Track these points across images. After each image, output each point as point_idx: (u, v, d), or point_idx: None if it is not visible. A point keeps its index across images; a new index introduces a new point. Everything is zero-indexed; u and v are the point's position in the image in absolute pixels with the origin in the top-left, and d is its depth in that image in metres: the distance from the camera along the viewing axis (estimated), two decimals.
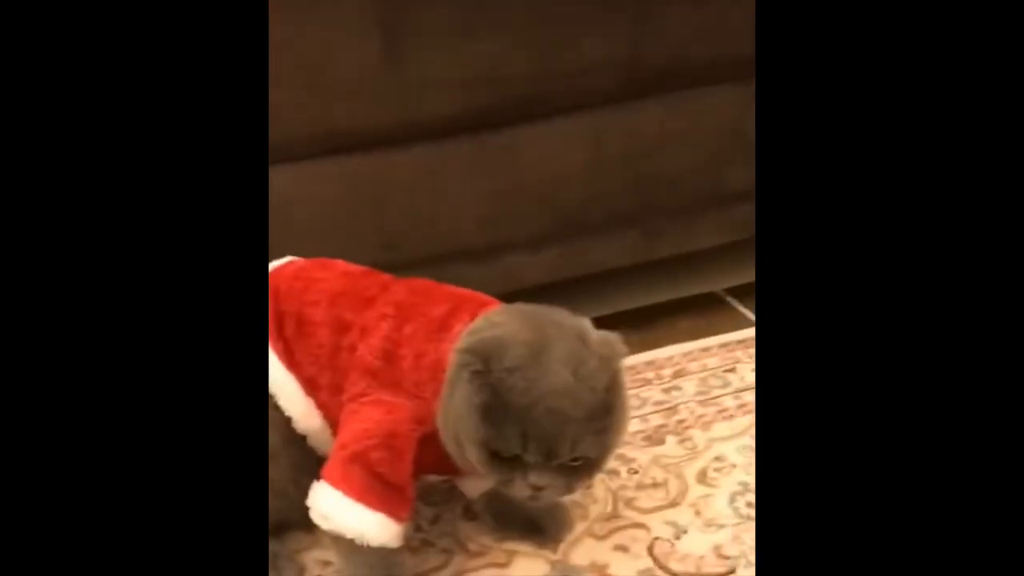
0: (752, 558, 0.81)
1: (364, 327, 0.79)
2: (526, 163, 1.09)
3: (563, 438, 0.68)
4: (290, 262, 0.87)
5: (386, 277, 0.84)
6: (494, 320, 0.74)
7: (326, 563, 0.84)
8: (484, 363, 0.69)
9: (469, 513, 0.90)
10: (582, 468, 0.72)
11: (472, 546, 0.86)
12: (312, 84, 0.97)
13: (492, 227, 1.11)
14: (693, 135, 1.14)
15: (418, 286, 0.82)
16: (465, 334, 0.74)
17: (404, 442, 0.75)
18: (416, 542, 0.86)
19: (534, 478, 0.70)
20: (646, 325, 1.24)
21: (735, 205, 1.21)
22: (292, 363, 0.80)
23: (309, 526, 0.85)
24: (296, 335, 0.81)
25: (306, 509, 0.81)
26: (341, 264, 0.86)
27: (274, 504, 0.81)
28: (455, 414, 0.71)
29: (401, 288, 0.82)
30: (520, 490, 0.71)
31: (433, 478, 0.93)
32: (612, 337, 0.73)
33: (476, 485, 0.89)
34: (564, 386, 0.68)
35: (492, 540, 0.87)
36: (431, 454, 0.76)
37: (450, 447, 0.74)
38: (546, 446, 0.68)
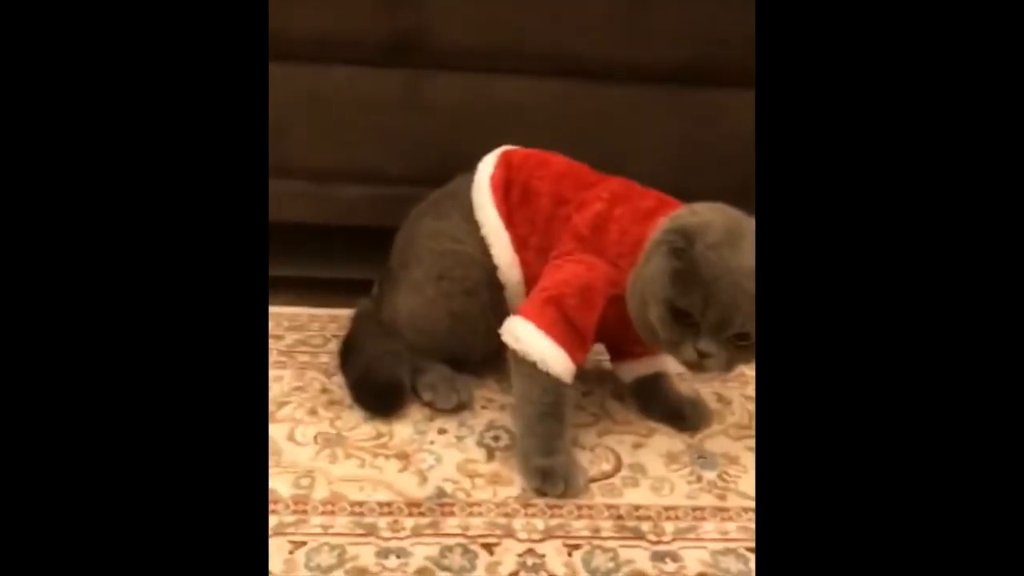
0: None
1: (581, 203, 0.93)
2: (724, 124, 1.21)
3: (738, 311, 0.79)
4: (520, 149, 1.02)
5: (603, 175, 0.98)
6: (697, 209, 0.86)
7: (489, 400, 0.98)
8: (686, 240, 0.80)
9: (618, 395, 1.02)
10: (745, 349, 0.82)
11: (618, 417, 0.98)
12: (561, 15, 1.13)
13: (680, 174, 1.22)
14: None
15: (631, 184, 0.96)
16: (669, 219, 0.86)
17: (596, 296, 0.87)
18: None
19: (703, 343, 0.81)
20: None
21: None
22: (510, 223, 0.95)
23: (481, 369, 1.00)
24: (519, 200, 0.95)
25: (485, 347, 0.96)
26: (564, 157, 1.00)
27: (464, 336, 0.96)
28: (648, 276, 0.83)
29: (617, 182, 0.96)
30: (687, 353, 0.82)
31: (588, 362, 1.06)
32: None
33: (632, 369, 1.00)
34: (748, 269, 0.79)
35: (636, 417, 0.98)
36: (613, 317, 0.89)
37: (634, 308, 0.86)
38: (722, 313, 0.79)
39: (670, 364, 1.01)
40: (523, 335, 0.86)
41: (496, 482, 0.84)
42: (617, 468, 0.89)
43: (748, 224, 0.84)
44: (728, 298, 0.78)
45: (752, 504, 0.84)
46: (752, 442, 0.95)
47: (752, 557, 0.77)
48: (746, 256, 0.79)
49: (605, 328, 0.90)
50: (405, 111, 1.15)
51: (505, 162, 0.98)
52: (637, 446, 0.93)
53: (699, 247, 0.80)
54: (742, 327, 0.80)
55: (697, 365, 0.83)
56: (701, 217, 0.84)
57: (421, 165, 1.17)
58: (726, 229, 0.82)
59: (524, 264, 0.95)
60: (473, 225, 0.95)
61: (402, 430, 0.91)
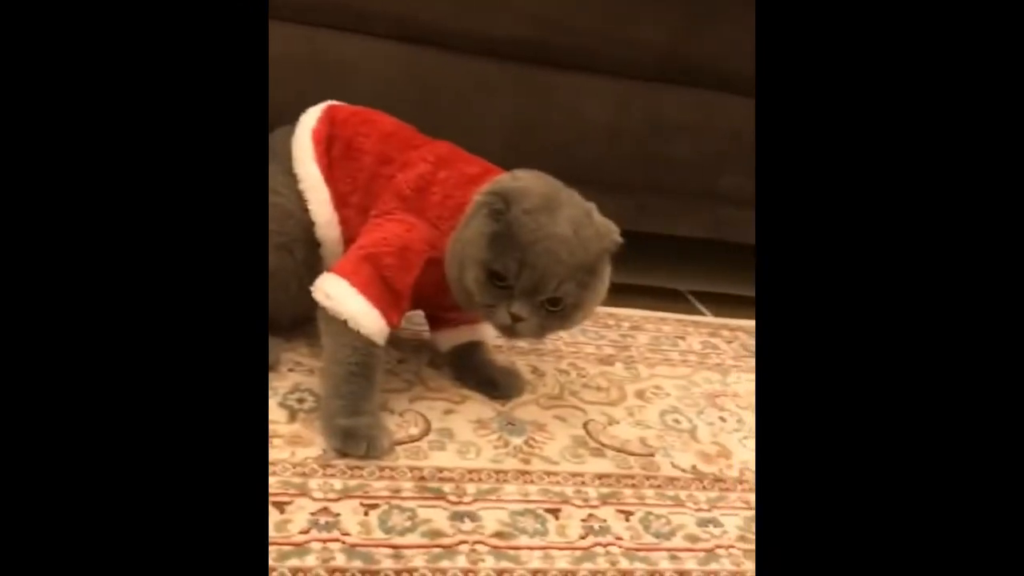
0: (673, 454, 0.92)
1: (405, 163, 0.91)
2: (556, 107, 1.24)
3: (551, 275, 0.80)
4: (345, 105, 0.99)
5: (430, 138, 0.97)
6: (518, 175, 0.87)
7: (297, 363, 0.94)
8: (505, 203, 0.80)
9: (433, 364, 1.01)
10: (557, 314, 0.83)
11: (431, 384, 0.97)
12: None
13: (512, 153, 1.23)
14: (704, 131, 1.30)
15: (457, 149, 0.95)
16: (491, 183, 0.86)
17: (414, 257, 0.86)
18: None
19: (517, 307, 0.81)
20: (612, 296, 1.37)
21: (721, 206, 1.36)
22: (330, 178, 0.92)
23: (291, 330, 0.96)
24: (342, 156, 0.92)
25: (295, 309, 0.92)
26: (392, 118, 0.98)
27: (274, 294, 0.92)
28: (467, 239, 0.82)
29: (443, 145, 0.95)
30: (501, 317, 0.82)
31: (404, 332, 1.04)
32: (612, 224, 0.86)
33: (449, 337, 1.00)
34: (564, 236, 0.80)
35: (450, 384, 0.97)
36: (431, 280, 0.87)
37: (452, 271, 0.85)
38: (536, 276, 0.80)
39: (487, 334, 1.02)
40: (335, 292, 0.83)
41: (296, 443, 0.81)
42: (425, 432, 0.87)
43: (567, 194, 0.85)
44: (542, 263, 0.79)
45: (555, 468, 0.85)
46: (561, 411, 0.96)
47: (550, 518, 0.78)
48: (561, 224, 0.81)
49: (422, 291, 0.89)
50: None
51: (329, 117, 0.94)
52: (448, 412, 0.92)
53: (516, 211, 0.80)
54: (555, 292, 0.81)
55: (510, 329, 0.83)
56: (522, 182, 0.85)
57: None
58: (544, 195, 0.83)
59: (343, 222, 0.92)
60: (291, 178, 0.91)
61: None
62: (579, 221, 0.82)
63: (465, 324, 0.99)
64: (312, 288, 0.85)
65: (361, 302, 0.83)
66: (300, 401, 0.87)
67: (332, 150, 0.93)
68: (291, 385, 0.90)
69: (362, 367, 0.83)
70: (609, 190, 1.30)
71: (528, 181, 0.85)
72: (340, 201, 0.92)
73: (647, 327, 1.25)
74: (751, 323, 1.34)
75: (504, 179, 0.86)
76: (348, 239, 0.91)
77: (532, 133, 1.24)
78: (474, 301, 0.84)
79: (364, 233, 0.89)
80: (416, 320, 1.06)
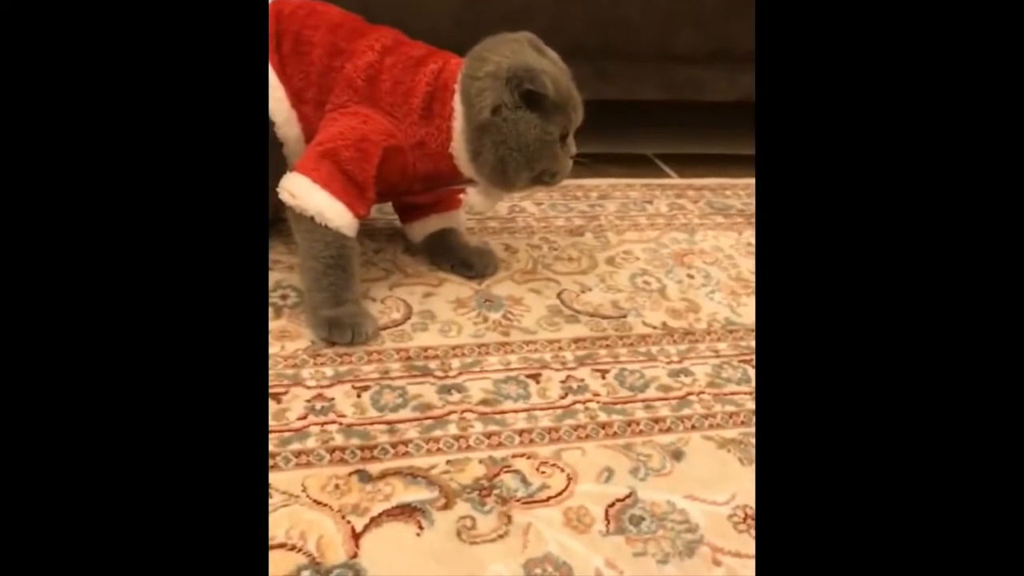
0: (643, 313, 0.97)
1: (353, 52, 0.90)
2: None
3: (579, 104, 0.90)
4: None
5: (373, 25, 0.95)
6: (489, 55, 0.88)
7: (275, 261, 0.97)
8: (531, 82, 0.85)
9: (409, 251, 1.04)
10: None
11: (409, 270, 1.00)
12: None
13: (462, 31, 1.22)
14: None
15: (399, 34, 0.95)
16: (488, 75, 0.86)
17: (373, 147, 0.87)
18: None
19: (573, 146, 0.91)
20: (580, 167, 1.39)
21: (679, 66, 1.35)
22: (283, 75, 0.91)
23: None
24: (292, 52, 0.91)
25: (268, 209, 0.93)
26: (337, 7, 0.97)
27: None
28: (521, 134, 0.86)
29: (388, 32, 0.94)
30: (567, 164, 0.91)
31: (379, 222, 1.06)
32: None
33: (421, 227, 1.02)
34: (562, 71, 0.91)
35: (427, 269, 1.01)
36: (394, 168, 0.89)
37: (489, 160, 0.87)
38: (577, 114, 0.90)
39: (458, 219, 1.04)
40: (299, 191, 0.85)
41: (284, 337, 0.85)
42: (407, 316, 0.91)
43: (528, 35, 0.92)
44: (575, 98, 0.89)
45: (533, 337, 0.90)
46: (535, 284, 1.01)
47: (531, 383, 0.83)
48: (552, 55, 0.91)
49: (387, 179, 0.90)
50: None
51: (275, 13, 0.93)
52: (427, 295, 0.95)
53: (538, 80, 0.85)
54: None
55: (565, 170, 0.91)
56: (513, 57, 0.87)
57: None
58: (528, 44, 0.90)
59: (302, 119, 0.92)
60: None
61: None
62: (552, 56, 0.92)
63: (435, 213, 1.02)
64: (278, 189, 0.86)
65: (325, 196, 0.85)
66: (283, 297, 0.91)
67: (282, 47, 0.92)
68: (273, 283, 0.93)
69: (337, 259, 0.86)
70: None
71: (506, 52, 0.88)
72: (296, 98, 0.92)
73: (615, 195, 1.28)
74: (717, 181, 1.37)
75: (489, 60, 0.88)
76: (308, 136, 0.92)
77: (481, 4, 1.22)
78: (511, 180, 0.89)
79: (321, 129, 0.89)
80: (387, 210, 1.08)
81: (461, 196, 1.03)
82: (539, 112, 0.86)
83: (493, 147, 0.87)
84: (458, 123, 0.88)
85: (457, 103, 0.88)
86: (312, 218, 0.84)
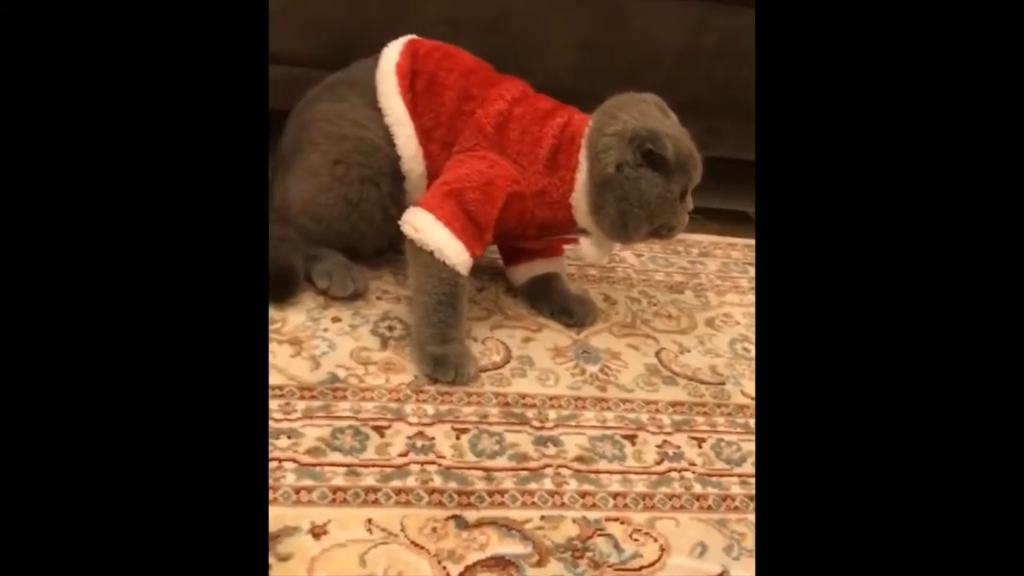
0: (742, 382, 0.96)
1: (484, 99, 0.93)
2: (629, 31, 1.22)
3: (698, 162, 0.92)
4: (425, 40, 0.99)
5: (503, 75, 0.98)
6: (617, 112, 0.91)
7: (384, 291, 0.99)
8: (653, 143, 0.87)
9: (510, 292, 1.05)
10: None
11: (510, 312, 1.01)
12: None
13: (580, 78, 1.23)
14: None
15: (528, 87, 0.97)
16: (614, 135, 0.88)
17: (498, 192, 0.89)
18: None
19: (690, 203, 0.93)
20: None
21: None
22: (414, 113, 0.94)
23: (372, 259, 1.00)
24: (424, 91, 0.94)
25: (378, 239, 0.97)
26: (469, 54, 0.99)
27: (359, 226, 0.96)
28: (642, 192, 0.88)
29: (517, 83, 0.97)
30: (683, 219, 0.92)
31: (482, 261, 1.08)
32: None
33: (525, 271, 1.03)
34: (684, 133, 0.93)
35: (527, 313, 1.01)
36: (513, 214, 0.91)
37: (610, 215, 0.90)
38: (698, 171, 0.92)
39: (561, 265, 1.05)
40: (423, 225, 0.87)
41: (389, 370, 0.86)
42: (507, 359, 0.92)
43: (655, 98, 0.95)
44: (695, 157, 0.91)
45: (630, 396, 0.90)
46: (634, 340, 1.00)
47: (627, 443, 0.83)
48: (673, 117, 0.94)
49: (505, 224, 0.92)
50: None
51: (411, 51, 0.96)
52: (526, 340, 0.96)
53: (660, 142, 0.87)
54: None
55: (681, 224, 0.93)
56: (640, 119, 0.90)
57: (317, 47, 1.13)
58: (655, 106, 0.93)
59: (428, 157, 0.95)
60: (376, 112, 0.94)
61: (295, 317, 0.91)
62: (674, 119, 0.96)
63: (540, 257, 1.03)
64: (401, 221, 0.89)
65: (446, 234, 0.87)
66: (390, 329, 0.92)
67: (415, 85, 0.94)
68: (381, 313, 0.95)
69: (449, 297, 0.87)
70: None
71: (633, 113, 0.90)
72: (424, 136, 0.94)
73: (716, 253, 1.27)
74: None
75: (616, 119, 0.90)
76: (431, 174, 0.94)
77: (602, 56, 1.23)
78: (629, 234, 0.92)
79: (448, 169, 0.91)
80: (491, 248, 1.09)
81: (568, 245, 1.04)
82: (660, 171, 0.87)
83: (615, 202, 0.88)
84: (582, 175, 0.89)
85: (583, 156, 0.89)
86: (432, 253, 0.86)
